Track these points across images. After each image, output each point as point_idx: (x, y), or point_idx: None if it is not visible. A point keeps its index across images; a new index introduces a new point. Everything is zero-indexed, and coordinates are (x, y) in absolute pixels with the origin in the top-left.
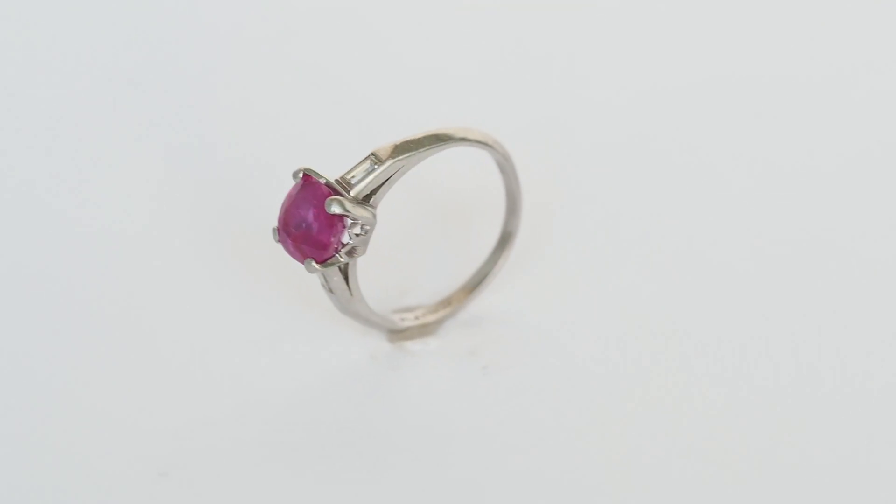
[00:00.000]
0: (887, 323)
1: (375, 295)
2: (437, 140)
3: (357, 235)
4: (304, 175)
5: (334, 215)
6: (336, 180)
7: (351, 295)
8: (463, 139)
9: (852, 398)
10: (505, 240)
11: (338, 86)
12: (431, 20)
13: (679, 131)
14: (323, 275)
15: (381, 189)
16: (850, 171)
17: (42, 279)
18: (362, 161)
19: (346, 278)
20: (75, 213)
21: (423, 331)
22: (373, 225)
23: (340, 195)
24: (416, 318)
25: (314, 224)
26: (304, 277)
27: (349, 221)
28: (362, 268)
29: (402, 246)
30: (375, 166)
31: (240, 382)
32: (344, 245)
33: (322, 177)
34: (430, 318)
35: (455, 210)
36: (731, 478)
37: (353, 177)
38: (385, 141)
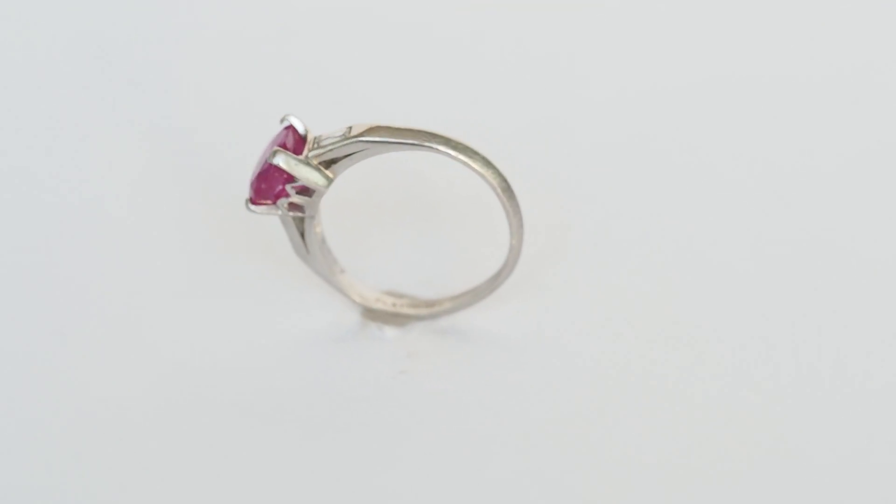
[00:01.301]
0: (887, 323)
1: (395, 275)
2: (415, 136)
3: (299, 193)
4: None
5: (274, 165)
6: (313, 136)
7: (308, 252)
8: (451, 150)
9: (852, 398)
10: (498, 276)
11: (337, 85)
12: (433, 20)
13: (679, 131)
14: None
15: (343, 161)
16: (851, 171)
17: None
18: (341, 129)
19: (303, 235)
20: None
21: (393, 319)
22: (321, 190)
23: (297, 150)
24: (393, 305)
25: (264, 167)
26: (281, 246)
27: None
28: (390, 245)
29: (444, 238)
30: (345, 138)
31: (188, 345)
32: (284, 198)
33: (302, 126)
34: (406, 310)
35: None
36: (733, 478)
37: (325, 140)
38: None
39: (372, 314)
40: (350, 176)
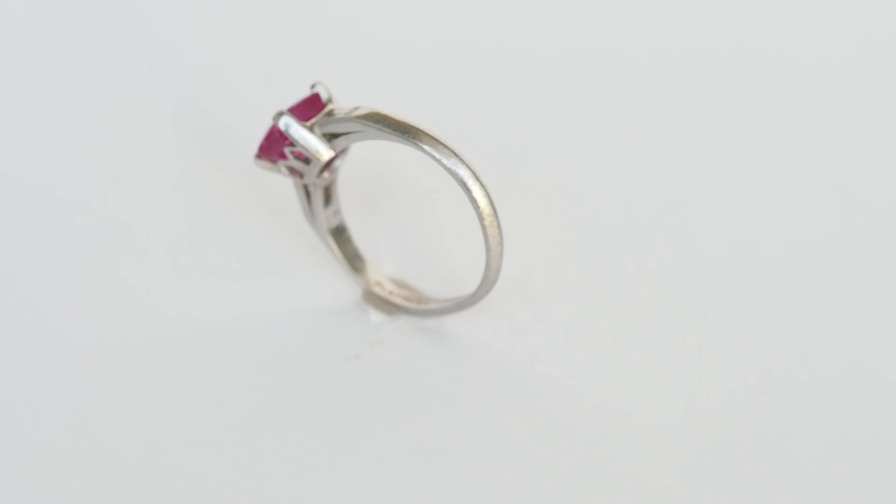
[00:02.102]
0: (887, 323)
1: (412, 265)
2: (406, 130)
3: (297, 159)
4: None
5: (278, 127)
6: (330, 108)
7: (314, 218)
8: (436, 153)
9: (853, 398)
10: (475, 295)
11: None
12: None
13: (673, 138)
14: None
15: (342, 138)
16: (850, 171)
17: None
18: (351, 107)
19: (309, 199)
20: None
21: (384, 306)
22: (315, 160)
23: (310, 117)
24: (390, 293)
25: (271, 127)
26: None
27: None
28: (414, 233)
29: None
30: (348, 115)
31: (186, 311)
32: (282, 160)
33: (326, 95)
34: (398, 300)
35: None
36: (731, 478)
37: (336, 113)
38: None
39: (368, 296)
40: (373, 160)
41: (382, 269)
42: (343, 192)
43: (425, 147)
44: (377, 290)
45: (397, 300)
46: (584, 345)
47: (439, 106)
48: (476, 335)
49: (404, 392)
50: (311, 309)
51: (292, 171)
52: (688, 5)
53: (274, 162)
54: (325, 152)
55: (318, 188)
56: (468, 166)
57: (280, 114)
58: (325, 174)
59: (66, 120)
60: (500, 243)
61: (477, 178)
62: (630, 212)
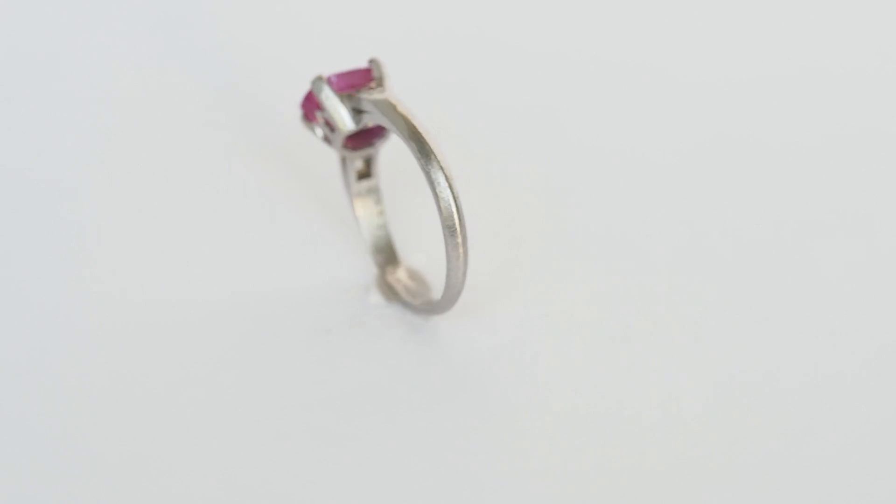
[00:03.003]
0: (888, 323)
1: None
2: (399, 126)
3: (325, 123)
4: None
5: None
6: (371, 84)
7: (347, 187)
8: (417, 152)
9: (852, 401)
10: (438, 305)
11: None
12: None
13: (666, 132)
14: None
15: (364, 116)
16: (842, 166)
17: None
18: (380, 89)
19: (345, 166)
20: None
21: (388, 291)
22: (337, 130)
23: (352, 87)
24: (397, 279)
25: (309, 90)
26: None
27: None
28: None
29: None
30: (369, 95)
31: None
32: (314, 123)
33: (379, 73)
34: (399, 289)
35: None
36: (723, 480)
37: (374, 90)
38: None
39: (379, 278)
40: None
41: (412, 257)
42: (394, 175)
43: (412, 146)
44: (388, 273)
45: (398, 288)
46: (569, 347)
47: (451, 105)
48: (456, 335)
49: (346, 375)
50: (320, 281)
51: (325, 137)
52: (682, 10)
53: (312, 123)
54: (344, 123)
55: (353, 160)
56: (443, 169)
57: (319, 78)
58: (360, 149)
59: (70, 106)
60: (461, 261)
61: (452, 189)
62: (621, 212)
